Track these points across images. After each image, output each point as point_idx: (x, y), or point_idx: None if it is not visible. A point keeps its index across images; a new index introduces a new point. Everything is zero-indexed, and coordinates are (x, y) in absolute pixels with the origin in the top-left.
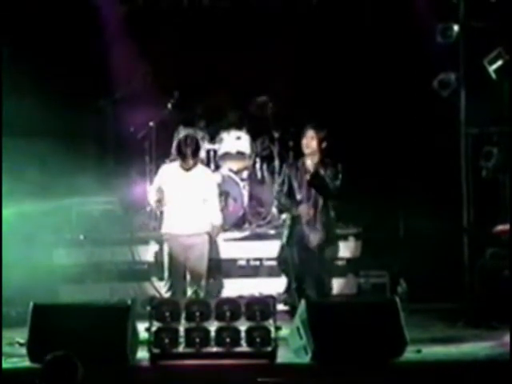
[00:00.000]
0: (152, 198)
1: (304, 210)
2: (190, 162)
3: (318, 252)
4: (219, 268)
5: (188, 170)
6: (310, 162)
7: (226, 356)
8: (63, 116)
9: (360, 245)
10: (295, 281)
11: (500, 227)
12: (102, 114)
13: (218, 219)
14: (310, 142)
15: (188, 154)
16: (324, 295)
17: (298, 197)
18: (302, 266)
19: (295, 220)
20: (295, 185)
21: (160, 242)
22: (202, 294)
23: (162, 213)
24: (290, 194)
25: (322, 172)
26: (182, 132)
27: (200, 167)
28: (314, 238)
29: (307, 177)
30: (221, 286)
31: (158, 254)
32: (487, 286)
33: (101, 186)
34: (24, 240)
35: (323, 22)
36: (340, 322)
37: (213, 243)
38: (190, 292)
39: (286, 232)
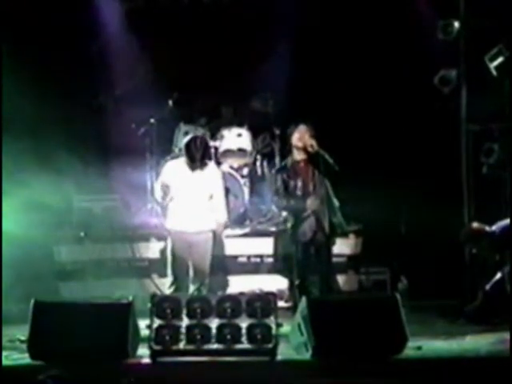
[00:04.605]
0: (158, 193)
1: (310, 203)
2: (198, 163)
3: (326, 242)
4: (224, 266)
5: (195, 169)
6: (299, 157)
7: (227, 353)
8: (64, 113)
9: (360, 241)
10: (298, 277)
11: (475, 224)
12: (103, 110)
13: (223, 217)
14: (304, 135)
15: (197, 157)
16: (330, 289)
17: (299, 193)
18: (306, 262)
19: (299, 217)
20: (292, 184)
21: (161, 239)
22: (204, 292)
23: (165, 209)
24: (289, 194)
25: (321, 151)
26: (183, 129)
27: (207, 164)
28: (326, 226)
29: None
30: (225, 284)
31: (163, 251)
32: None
33: (102, 182)
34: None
35: (323, 19)
36: (341, 319)
37: (217, 241)
38: (192, 289)
39: (291, 230)
